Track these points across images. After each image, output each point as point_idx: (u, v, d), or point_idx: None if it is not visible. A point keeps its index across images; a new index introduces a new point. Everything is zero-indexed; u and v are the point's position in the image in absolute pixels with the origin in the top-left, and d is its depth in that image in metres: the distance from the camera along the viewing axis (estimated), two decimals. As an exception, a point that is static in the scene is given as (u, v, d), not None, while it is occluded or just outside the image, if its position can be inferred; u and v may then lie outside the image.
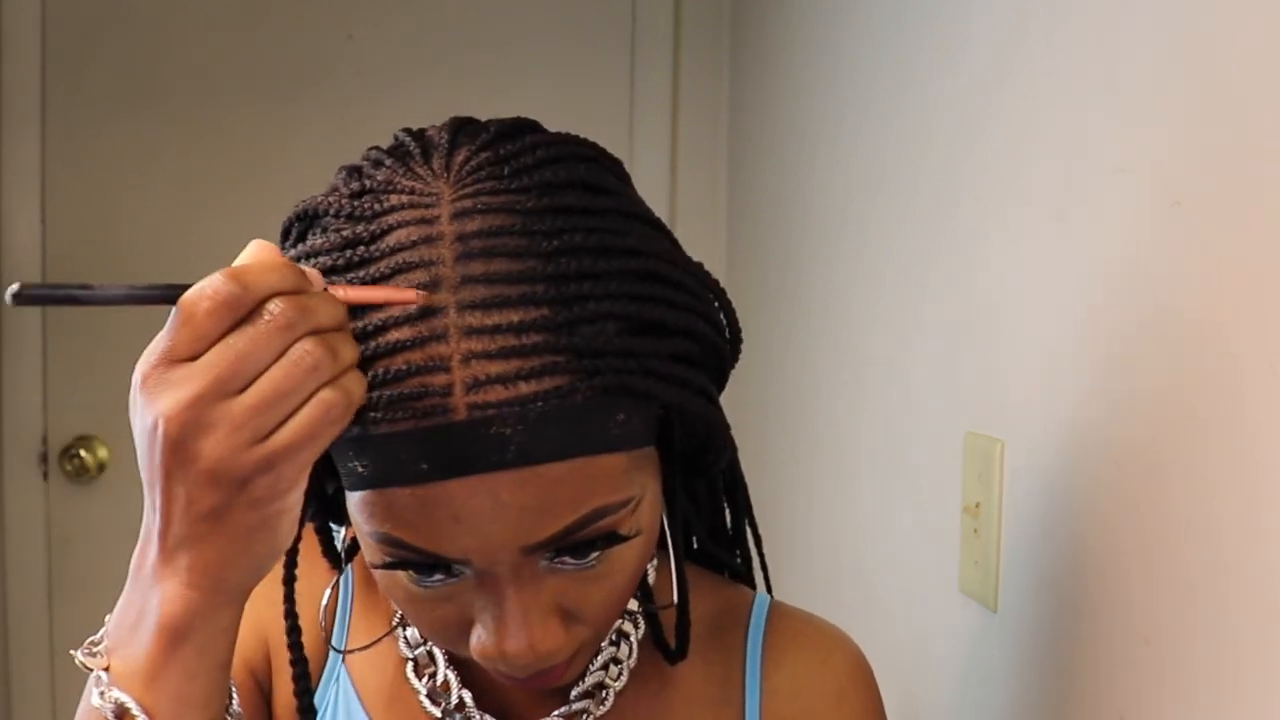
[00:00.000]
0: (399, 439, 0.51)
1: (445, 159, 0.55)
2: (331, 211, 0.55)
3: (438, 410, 0.50)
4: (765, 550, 0.77)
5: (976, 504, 0.87)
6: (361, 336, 0.52)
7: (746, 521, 0.75)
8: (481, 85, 2.11)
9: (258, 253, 0.50)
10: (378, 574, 0.57)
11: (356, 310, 0.52)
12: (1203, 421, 0.58)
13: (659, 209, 2.09)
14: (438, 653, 0.67)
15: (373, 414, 0.51)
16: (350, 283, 0.53)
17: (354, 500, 0.55)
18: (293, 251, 0.56)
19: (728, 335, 0.62)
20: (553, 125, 0.62)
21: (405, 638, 0.68)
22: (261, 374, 0.47)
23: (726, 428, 0.63)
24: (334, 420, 0.49)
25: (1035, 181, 0.79)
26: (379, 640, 0.67)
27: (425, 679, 0.67)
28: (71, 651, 0.53)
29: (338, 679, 0.68)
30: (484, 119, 0.60)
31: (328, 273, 0.54)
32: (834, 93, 1.37)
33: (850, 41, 1.31)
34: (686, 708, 0.68)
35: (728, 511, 0.75)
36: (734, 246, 2.00)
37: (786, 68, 1.65)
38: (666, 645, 0.66)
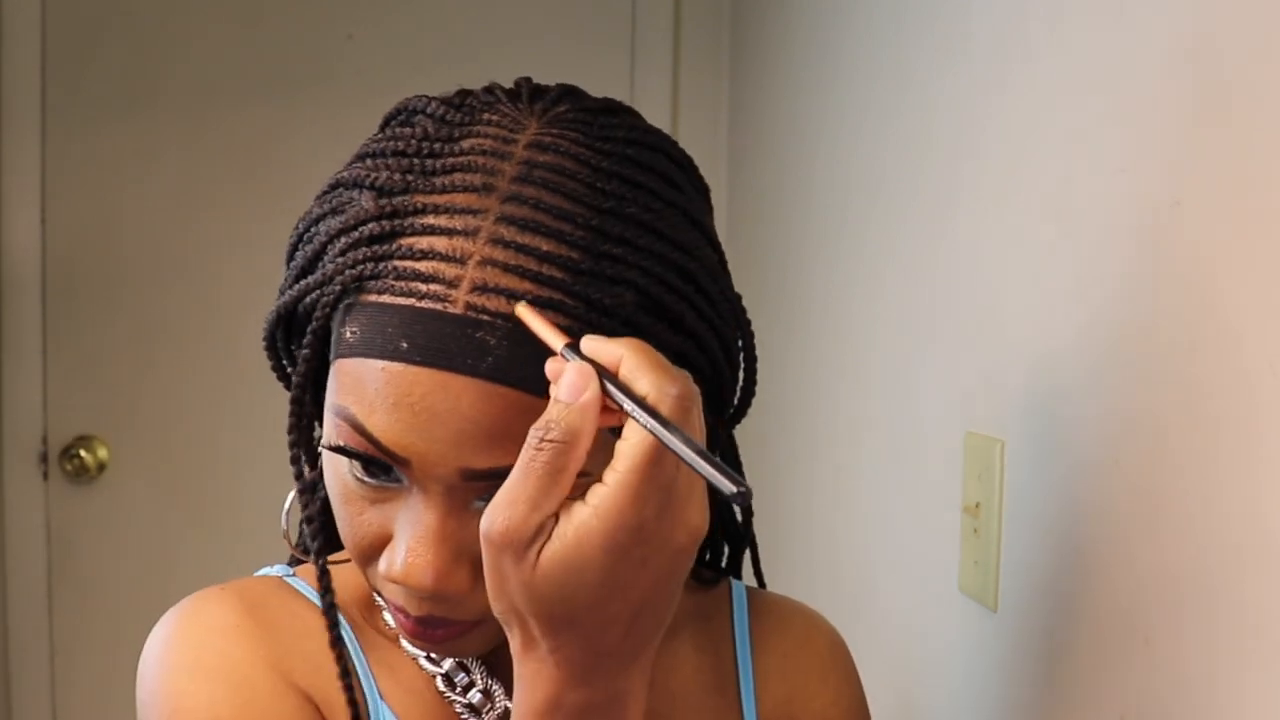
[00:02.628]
0: (392, 311, 0.52)
1: (548, 105, 0.58)
2: (428, 111, 0.58)
3: (438, 296, 0.52)
4: (765, 549, 0.77)
5: (976, 504, 0.87)
6: (399, 211, 0.54)
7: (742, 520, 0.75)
8: (481, 85, 2.10)
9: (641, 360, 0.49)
10: (328, 460, 0.57)
11: (409, 181, 0.55)
12: (1203, 421, 0.58)
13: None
14: (471, 663, 0.65)
15: (378, 282, 0.53)
16: (412, 167, 0.55)
17: (333, 371, 0.56)
18: (379, 134, 0.59)
19: (740, 388, 0.63)
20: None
21: (429, 656, 0.65)
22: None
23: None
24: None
25: (1035, 181, 0.79)
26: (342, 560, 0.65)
27: (460, 690, 0.65)
28: None
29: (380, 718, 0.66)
30: None
31: (397, 154, 0.56)
32: (834, 93, 1.37)
33: (850, 42, 1.31)
34: (687, 698, 0.69)
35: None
36: (734, 246, 1.99)
37: (786, 68, 1.65)
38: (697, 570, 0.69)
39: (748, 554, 0.77)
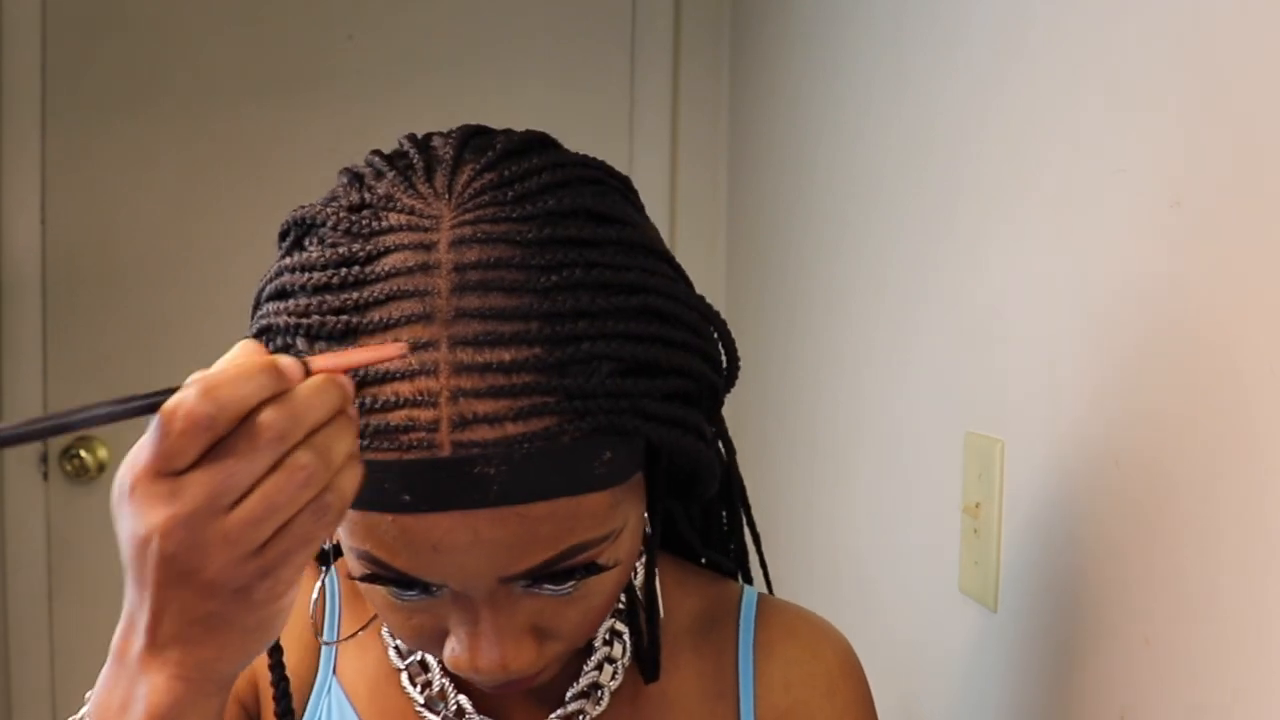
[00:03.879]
0: (383, 468, 0.51)
1: (449, 177, 0.55)
2: (329, 224, 0.55)
3: (423, 444, 0.50)
4: (765, 550, 0.77)
5: (976, 504, 0.87)
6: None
7: (745, 522, 0.75)
8: (481, 86, 2.11)
9: (239, 356, 0.48)
10: (357, 582, 0.58)
11: (348, 323, 0.51)
12: (1203, 421, 0.58)
13: (659, 209, 2.09)
14: (431, 660, 0.67)
15: (360, 440, 0.50)
16: (344, 304, 0.52)
17: None
18: (287, 261, 0.56)
19: (725, 367, 0.62)
20: (553, 126, 0.62)
21: (396, 648, 0.68)
22: (255, 486, 0.45)
23: (714, 464, 0.62)
24: (329, 524, 0.48)
25: (1035, 181, 0.79)
26: (367, 625, 0.67)
27: (420, 687, 0.67)
28: None
29: (329, 691, 0.68)
30: (487, 122, 0.60)
31: (320, 289, 0.53)
32: (834, 93, 1.37)
33: (850, 41, 1.31)
34: (682, 702, 0.68)
35: (724, 510, 0.75)
36: (734, 246, 2.00)
37: (786, 68, 1.65)
38: (642, 662, 0.66)
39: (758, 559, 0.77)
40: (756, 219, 1.82)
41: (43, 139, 2.12)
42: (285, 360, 0.47)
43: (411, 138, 0.59)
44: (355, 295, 0.52)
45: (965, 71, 0.93)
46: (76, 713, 0.53)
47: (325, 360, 0.49)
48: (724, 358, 0.62)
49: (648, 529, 0.63)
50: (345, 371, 0.49)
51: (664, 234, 2.18)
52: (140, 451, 0.45)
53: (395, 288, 0.52)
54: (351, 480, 0.48)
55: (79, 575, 2.17)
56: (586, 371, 0.52)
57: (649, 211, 0.62)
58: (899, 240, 1.10)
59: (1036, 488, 0.78)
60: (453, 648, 0.57)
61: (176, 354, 2.15)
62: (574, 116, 2.10)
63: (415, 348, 0.51)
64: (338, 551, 0.68)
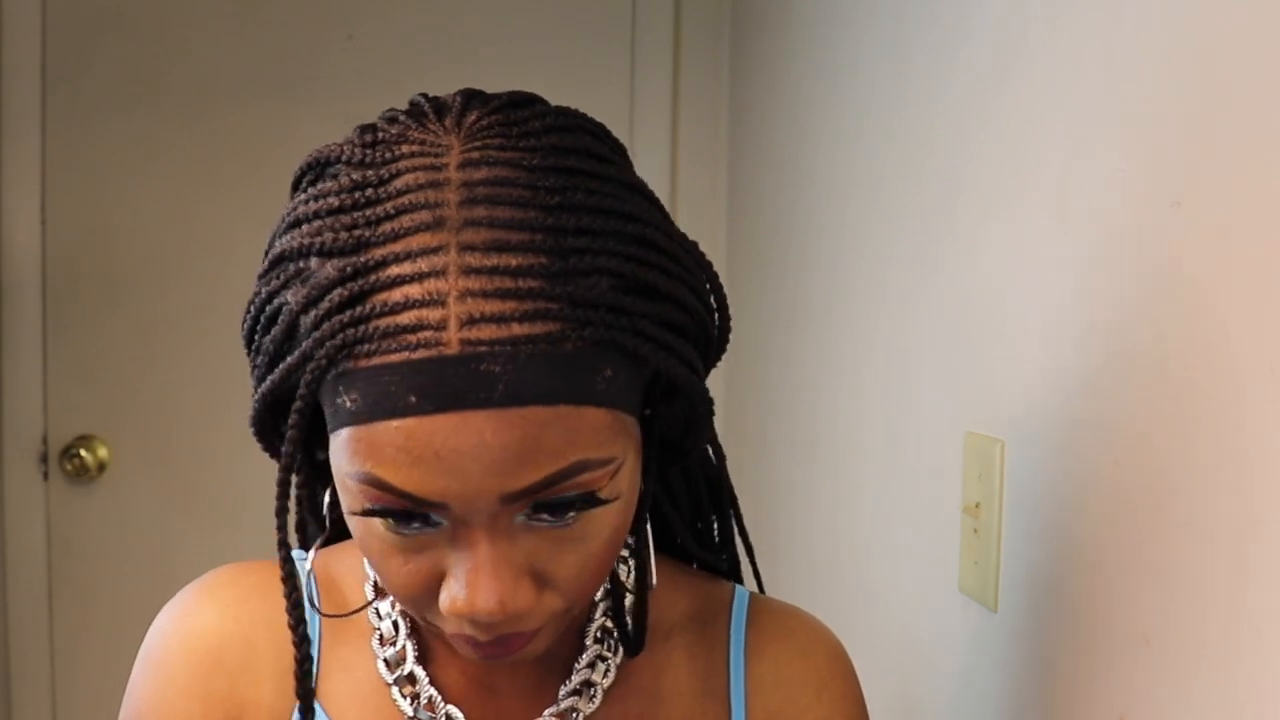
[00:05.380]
0: (390, 370, 0.52)
1: (457, 118, 0.58)
2: (344, 159, 0.57)
3: (431, 343, 0.51)
4: (765, 550, 0.77)
5: (976, 504, 0.87)
6: (361, 270, 0.53)
7: (734, 522, 0.75)
8: (481, 85, 2.09)
9: None
10: (354, 524, 0.57)
11: (360, 236, 0.53)
12: (1203, 421, 0.58)
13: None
14: (419, 671, 0.66)
15: (366, 345, 0.52)
16: (356, 220, 0.54)
17: (338, 441, 0.54)
18: (301, 195, 0.58)
19: (716, 316, 0.63)
20: (553, 126, 0.62)
21: (385, 660, 0.67)
22: None
23: (709, 406, 0.62)
24: None
25: (1035, 181, 0.79)
26: (356, 611, 0.67)
27: (409, 700, 0.66)
28: None
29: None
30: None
31: (334, 211, 0.55)
32: (834, 92, 1.37)
33: (850, 41, 1.31)
34: (673, 701, 0.68)
35: (714, 517, 0.75)
36: (734, 246, 2.00)
37: (786, 68, 1.65)
38: (626, 635, 0.66)
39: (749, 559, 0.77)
40: (756, 219, 1.82)
41: (43, 139, 2.12)
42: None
43: (421, 94, 0.61)
44: (368, 212, 0.54)
45: (965, 71, 0.93)
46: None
47: None
48: (715, 306, 0.63)
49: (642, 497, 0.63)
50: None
51: (664, 234, 2.19)
52: None
53: (407, 202, 0.54)
54: None
55: (79, 575, 2.17)
56: (589, 284, 0.54)
57: None
58: (899, 240, 1.10)
59: (1036, 488, 0.78)
60: (449, 590, 0.56)
61: (176, 354, 2.16)
62: (574, 116, 2.09)
63: (425, 252, 0.53)
64: (336, 518, 0.67)
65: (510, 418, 0.52)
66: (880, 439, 1.16)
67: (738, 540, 0.77)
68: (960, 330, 0.93)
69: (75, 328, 2.15)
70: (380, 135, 0.57)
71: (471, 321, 0.52)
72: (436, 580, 0.57)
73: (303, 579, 0.65)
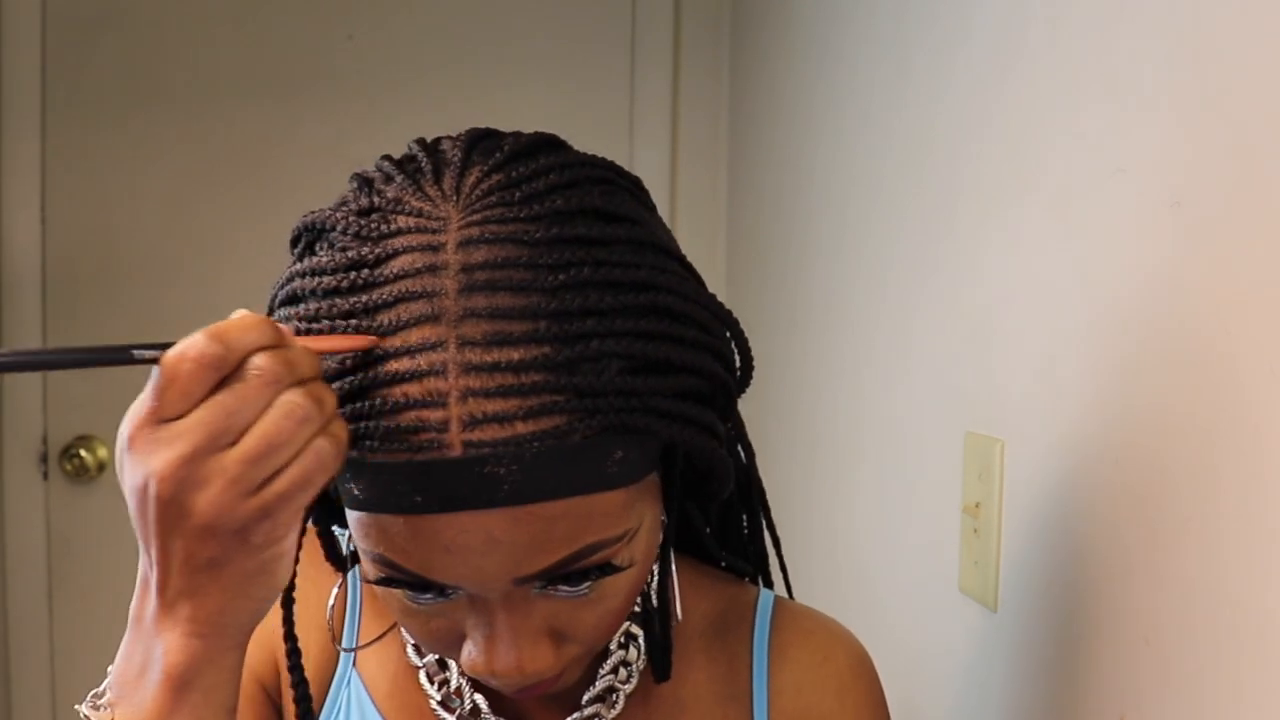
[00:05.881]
0: (394, 469, 0.51)
1: (456, 179, 0.55)
2: (339, 228, 0.55)
3: (433, 445, 0.50)
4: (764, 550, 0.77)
5: (976, 504, 0.87)
6: (362, 365, 0.52)
7: (765, 525, 0.75)
8: (482, 86, 2.11)
9: (238, 316, 0.50)
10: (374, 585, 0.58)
11: (358, 327, 0.52)
12: (1203, 421, 0.58)
13: (659, 209, 2.09)
14: (449, 659, 0.67)
15: (369, 442, 0.51)
16: (353, 307, 0.53)
17: (351, 518, 0.55)
18: (299, 266, 0.56)
19: (739, 367, 0.62)
20: (553, 126, 0.62)
21: (415, 645, 0.68)
22: (251, 427, 0.47)
23: (728, 463, 0.61)
24: (327, 467, 0.49)
25: (1035, 181, 0.79)
26: (386, 634, 0.67)
27: (437, 685, 0.67)
28: (76, 707, 0.53)
29: (349, 683, 0.68)
30: (487, 122, 0.60)
31: (330, 293, 0.53)
32: (834, 92, 1.37)
33: (850, 41, 1.31)
34: (695, 705, 0.68)
35: (744, 515, 0.75)
36: (734, 246, 2.00)
37: (786, 68, 1.65)
38: (654, 663, 0.66)
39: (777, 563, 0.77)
40: (756, 219, 1.82)
41: (43, 139, 2.12)
42: (281, 323, 0.50)
43: (420, 142, 0.58)
44: (364, 298, 0.52)
45: (965, 71, 0.93)
46: (99, 686, 0.53)
47: (302, 340, 0.51)
48: (737, 357, 0.62)
49: (664, 530, 0.63)
50: (321, 353, 0.51)
51: (664, 234, 2.18)
52: (139, 404, 0.47)
53: (403, 289, 0.52)
54: (343, 430, 0.50)
55: (79, 575, 2.17)
56: (596, 370, 0.52)
57: None
58: (899, 240, 1.10)
59: (1036, 488, 0.78)
60: (469, 651, 0.56)
61: (176, 354, 2.15)
62: (574, 116, 2.10)
63: (424, 349, 0.51)
64: (356, 556, 0.68)
65: (518, 515, 0.51)
66: (880, 439, 1.16)
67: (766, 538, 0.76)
68: (960, 330, 0.93)
69: (75, 328, 2.15)
70: (376, 200, 0.55)
71: (474, 423, 0.50)
72: (458, 638, 0.57)
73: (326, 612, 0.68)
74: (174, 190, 2.14)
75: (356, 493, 0.53)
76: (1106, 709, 0.67)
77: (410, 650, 0.68)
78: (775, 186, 1.70)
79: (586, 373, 0.52)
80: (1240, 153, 0.55)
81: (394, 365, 0.51)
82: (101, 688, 0.52)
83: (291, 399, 0.47)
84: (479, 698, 0.66)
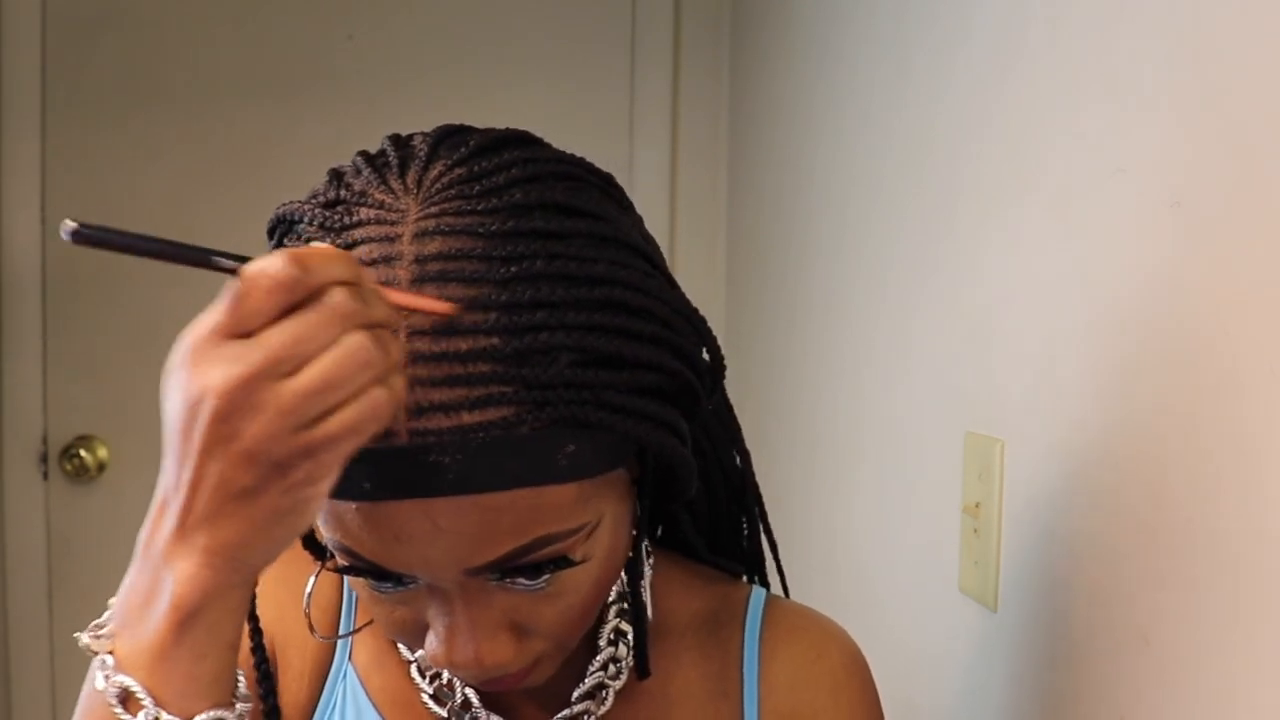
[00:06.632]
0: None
1: (420, 173, 0.55)
2: (306, 219, 0.55)
3: (381, 433, 0.50)
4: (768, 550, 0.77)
5: (976, 504, 0.87)
6: None
7: (762, 529, 0.75)
8: (481, 85, 2.11)
9: (320, 247, 0.50)
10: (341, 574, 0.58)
11: None
12: (1203, 421, 0.58)
13: (659, 209, 2.09)
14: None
15: None
16: None
17: None
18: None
19: (708, 367, 0.61)
20: (553, 126, 0.62)
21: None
22: (314, 360, 0.46)
23: (690, 463, 0.61)
24: (380, 418, 0.48)
25: (1035, 181, 0.79)
26: (368, 624, 0.67)
27: (429, 679, 0.67)
28: (76, 634, 0.52)
29: (344, 676, 0.69)
30: (482, 123, 0.60)
31: None
32: (834, 92, 1.37)
33: (850, 41, 1.31)
34: (685, 702, 0.68)
35: (743, 518, 0.75)
36: (734, 246, 2.00)
37: (786, 68, 1.65)
38: (635, 659, 0.67)
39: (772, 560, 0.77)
40: (756, 219, 1.82)
41: (43, 139, 2.12)
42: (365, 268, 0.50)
43: (393, 137, 0.59)
44: None
45: (965, 71, 0.93)
46: (101, 617, 0.52)
47: (386, 292, 0.51)
48: (707, 357, 0.61)
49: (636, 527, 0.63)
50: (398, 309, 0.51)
51: (664, 234, 2.17)
52: (209, 315, 0.47)
53: None
54: (402, 385, 0.50)
55: (79, 575, 2.17)
56: (546, 362, 0.52)
57: (649, 212, 0.62)
58: (899, 240, 1.10)
59: (1036, 488, 0.78)
60: (430, 641, 0.57)
61: (176, 354, 2.15)
62: (574, 116, 2.10)
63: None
64: None
65: (462, 504, 0.51)
66: (880, 439, 1.16)
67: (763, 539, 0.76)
68: (960, 330, 0.93)
69: (75, 328, 2.15)
70: (343, 193, 0.55)
71: (420, 411, 0.50)
72: (421, 628, 0.58)
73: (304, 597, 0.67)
74: (174, 190, 2.14)
75: None
76: (1106, 709, 0.67)
77: (402, 645, 0.68)
78: (775, 186, 1.70)
79: (536, 365, 0.52)
80: (1240, 153, 0.55)
81: None
82: (103, 618, 0.52)
83: (359, 340, 0.47)
84: (470, 691, 0.66)
